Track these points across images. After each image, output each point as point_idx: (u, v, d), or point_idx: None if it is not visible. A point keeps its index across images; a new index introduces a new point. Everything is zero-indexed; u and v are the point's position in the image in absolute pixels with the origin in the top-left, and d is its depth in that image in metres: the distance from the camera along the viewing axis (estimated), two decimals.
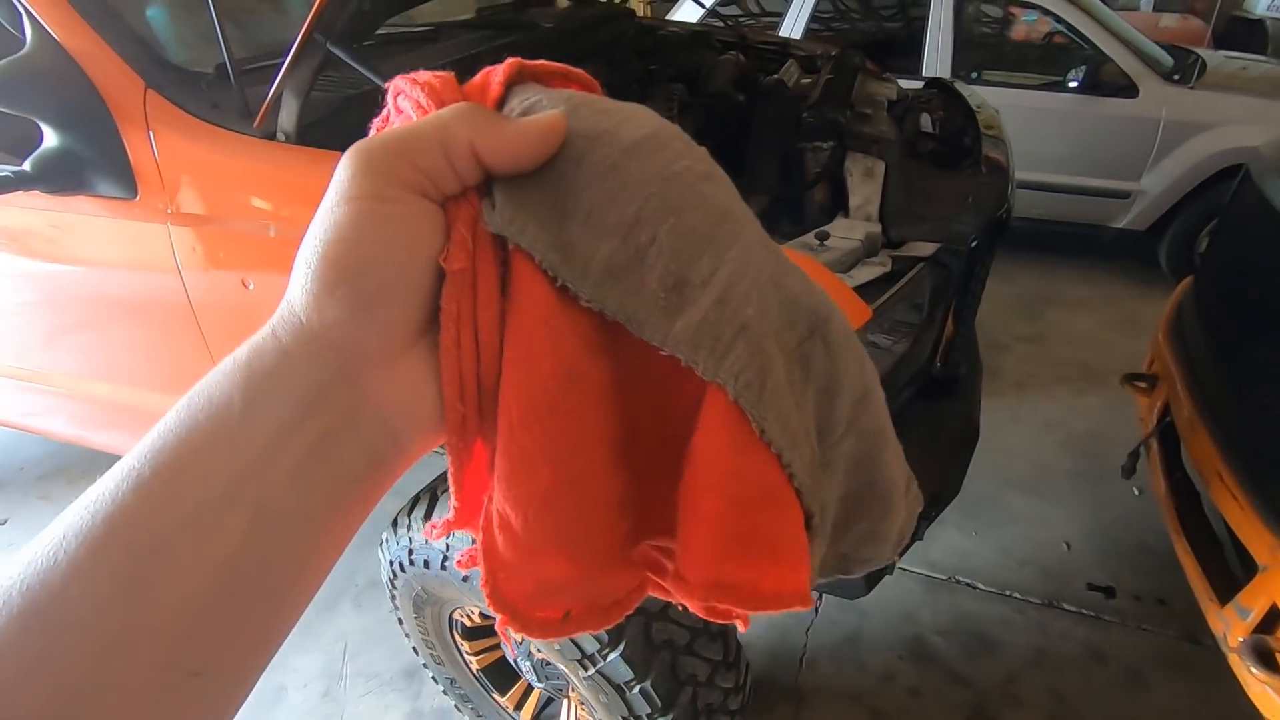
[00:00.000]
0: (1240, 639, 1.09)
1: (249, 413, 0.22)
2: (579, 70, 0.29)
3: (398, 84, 0.28)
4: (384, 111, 0.29)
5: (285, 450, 0.22)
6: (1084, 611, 1.92)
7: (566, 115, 0.25)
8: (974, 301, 1.21)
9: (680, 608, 0.28)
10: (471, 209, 0.25)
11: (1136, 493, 2.28)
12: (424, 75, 0.27)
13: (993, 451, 2.41)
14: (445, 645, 1.49)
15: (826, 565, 0.30)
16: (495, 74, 0.27)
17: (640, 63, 1.66)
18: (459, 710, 1.60)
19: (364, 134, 0.27)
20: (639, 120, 0.26)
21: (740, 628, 0.28)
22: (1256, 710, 1.14)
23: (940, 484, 1.22)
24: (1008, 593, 1.99)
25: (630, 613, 0.30)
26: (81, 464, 2.63)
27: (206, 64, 1.16)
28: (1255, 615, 1.09)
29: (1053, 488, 2.33)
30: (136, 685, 0.20)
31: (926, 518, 1.20)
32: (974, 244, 1.11)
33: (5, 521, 2.46)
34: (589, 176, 0.25)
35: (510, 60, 0.28)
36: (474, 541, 0.28)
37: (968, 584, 2.02)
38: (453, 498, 0.27)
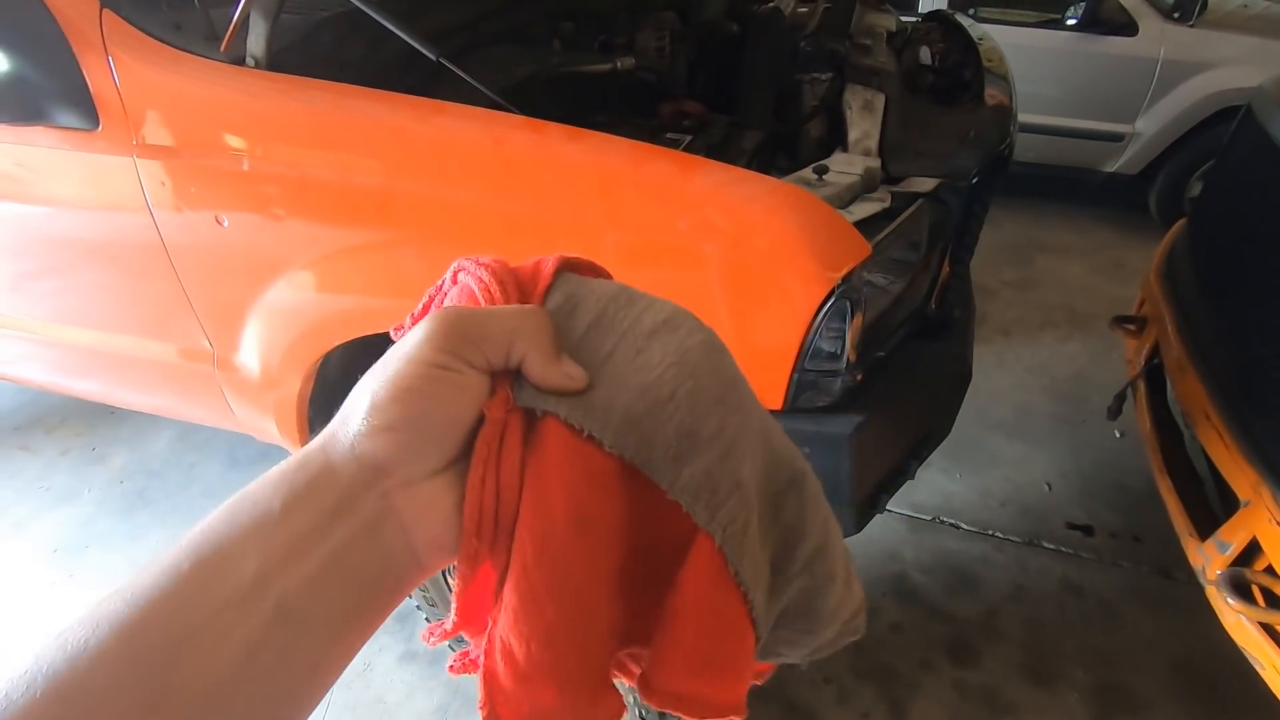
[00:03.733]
0: (1219, 572, 1.12)
1: (286, 514, 0.25)
2: (602, 266, 0.35)
3: (461, 263, 0.33)
4: (441, 282, 0.34)
5: (312, 551, 0.25)
6: (1062, 549, 1.98)
7: (600, 311, 0.31)
8: (971, 241, 1.19)
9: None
10: (508, 379, 0.29)
11: (1118, 435, 2.33)
12: (486, 259, 0.33)
13: (977, 395, 2.43)
14: (438, 587, 1.50)
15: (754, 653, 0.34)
16: (545, 265, 0.33)
17: None
18: (452, 650, 1.62)
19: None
20: (658, 307, 0.31)
21: None
22: (1225, 640, 1.19)
23: (932, 425, 1.22)
24: (989, 532, 2.03)
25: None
26: (60, 412, 2.58)
27: None
28: (1234, 549, 1.11)
29: (1035, 431, 2.37)
30: None
31: (917, 457, 1.21)
32: (975, 181, 1.08)
33: None
34: (621, 355, 0.30)
35: (557, 255, 0.33)
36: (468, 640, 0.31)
37: (950, 524, 2.07)
38: (453, 611, 0.30)
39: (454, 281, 0.33)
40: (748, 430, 0.30)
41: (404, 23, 1.01)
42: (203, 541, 0.24)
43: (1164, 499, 1.41)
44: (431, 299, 0.33)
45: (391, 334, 0.32)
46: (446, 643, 1.43)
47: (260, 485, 0.26)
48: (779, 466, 0.32)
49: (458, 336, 0.28)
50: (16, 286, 1.48)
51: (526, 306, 0.31)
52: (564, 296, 0.32)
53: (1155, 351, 1.56)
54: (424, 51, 1.01)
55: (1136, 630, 1.76)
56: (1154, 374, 1.58)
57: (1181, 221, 1.77)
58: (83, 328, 1.45)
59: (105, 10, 1.01)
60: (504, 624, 0.27)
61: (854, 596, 0.35)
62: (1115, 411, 1.69)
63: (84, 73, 1.02)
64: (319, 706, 1.40)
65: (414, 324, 0.30)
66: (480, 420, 0.28)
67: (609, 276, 0.35)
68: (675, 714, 0.30)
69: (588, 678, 0.28)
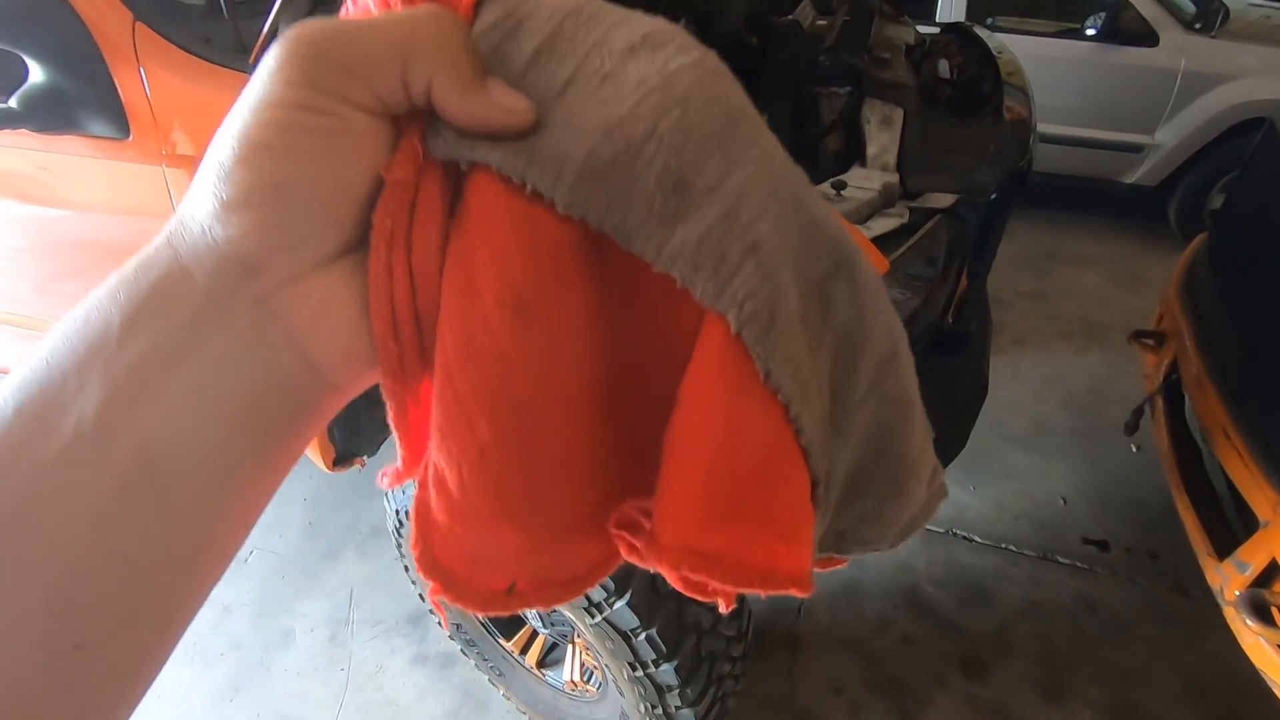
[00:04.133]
0: (1237, 592, 1.11)
1: (129, 335, 0.18)
2: None
3: None
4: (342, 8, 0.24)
5: (171, 380, 0.18)
6: (1077, 564, 1.96)
7: (556, 27, 0.21)
8: (989, 256, 1.19)
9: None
10: (421, 125, 0.21)
11: (1134, 450, 2.31)
12: None
13: (992, 407, 2.41)
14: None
15: (824, 542, 0.26)
16: None
17: (646, 2, 1.59)
18: (464, 654, 1.63)
19: None
20: (636, 21, 0.21)
21: (721, 607, 0.23)
22: (1242, 660, 1.17)
23: (947, 438, 1.22)
24: (1003, 545, 2.02)
25: (591, 587, 0.25)
26: None
27: None
28: (1254, 569, 1.10)
29: (1051, 443, 2.35)
30: (9, 659, 0.17)
31: None
32: (994, 196, 1.08)
33: None
34: (581, 88, 0.21)
35: None
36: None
37: (964, 537, 2.06)
38: (399, 446, 0.23)
39: (355, 4, 0.23)
40: (766, 179, 0.21)
41: None
42: (29, 379, 0.18)
43: (1181, 517, 1.40)
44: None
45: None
46: (458, 647, 1.42)
47: (94, 299, 0.19)
48: (821, 241, 0.23)
49: (324, 62, 0.19)
50: (42, 288, 1.50)
51: (426, 9, 0.21)
52: (502, 12, 0.22)
53: (1174, 367, 1.55)
54: None
55: (1152, 648, 1.75)
56: (1172, 390, 1.57)
57: (1202, 235, 1.76)
58: None
59: (138, 23, 1.03)
60: (433, 445, 0.21)
61: (927, 438, 0.27)
62: (1133, 427, 1.68)
63: (116, 84, 1.04)
64: (330, 706, 1.41)
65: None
66: (380, 186, 0.20)
67: None
68: (700, 578, 0.22)
69: (551, 515, 0.22)
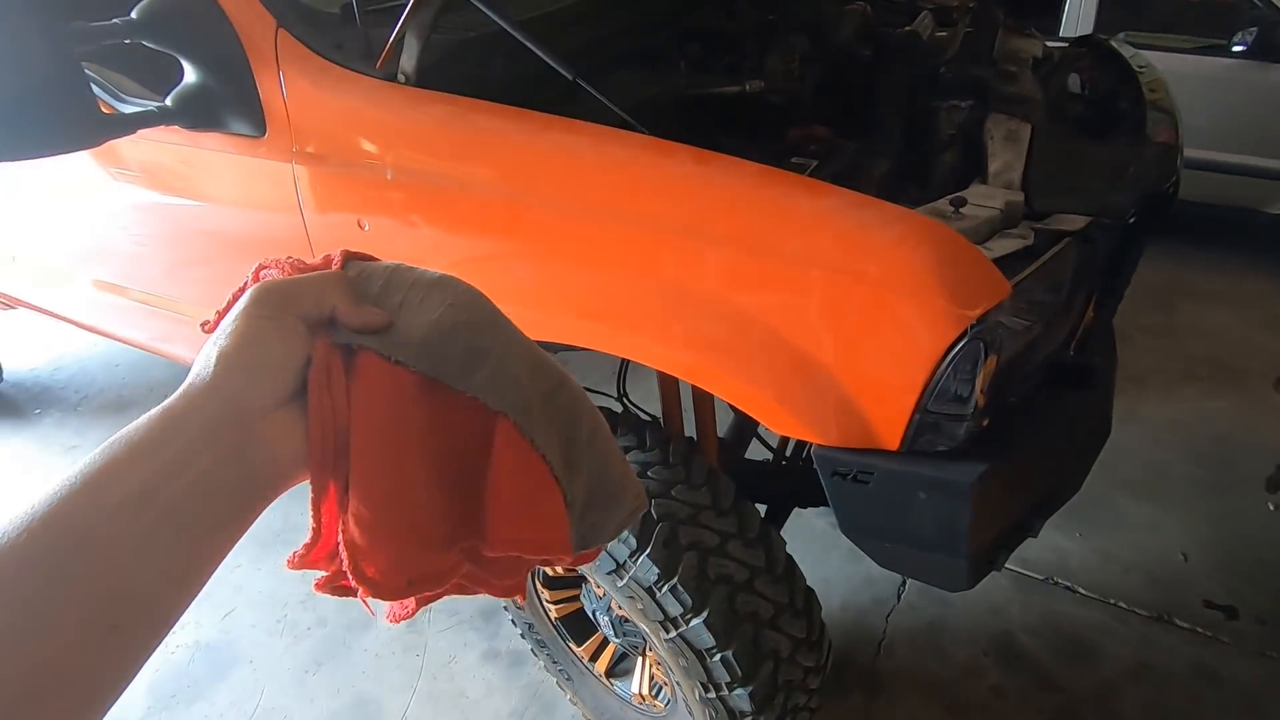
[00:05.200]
0: None
1: (160, 442, 0.31)
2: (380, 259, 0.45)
3: (262, 262, 0.42)
4: (245, 282, 0.40)
5: (188, 469, 0.31)
6: (1198, 629, 1.78)
7: (388, 277, 0.41)
8: (1122, 286, 1.10)
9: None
10: (325, 330, 0.38)
11: (1271, 508, 2.08)
12: (282, 256, 0.42)
13: (1106, 449, 2.23)
14: (525, 591, 1.53)
15: (580, 540, 0.42)
16: (333, 257, 0.42)
17: (759, 12, 1.57)
18: (534, 655, 1.65)
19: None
20: (431, 272, 0.42)
21: (519, 600, 0.41)
22: None
23: (1061, 480, 1.13)
24: (1110, 600, 1.86)
25: (449, 581, 0.41)
26: None
27: (334, 4, 1.17)
28: None
29: (1170, 493, 2.15)
30: (68, 632, 0.27)
31: (1042, 515, 1.12)
32: (1132, 220, 0.99)
33: None
34: (409, 305, 0.40)
35: (342, 250, 0.43)
36: (324, 573, 0.39)
37: (1065, 586, 1.90)
38: (312, 522, 0.36)
39: (255, 279, 0.41)
40: (514, 346, 0.41)
41: (543, 43, 1.05)
42: (87, 469, 0.29)
43: None
44: (236, 295, 0.40)
45: (200, 328, 0.40)
46: (529, 646, 1.44)
47: (132, 427, 0.32)
48: (546, 372, 0.42)
49: (275, 295, 0.37)
50: (172, 273, 1.63)
51: (328, 271, 0.41)
52: (356, 271, 0.42)
53: None
54: (561, 71, 1.04)
55: None
56: None
57: None
58: None
59: (281, 30, 1.10)
60: (353, 501, 0.36)
61: (632, 475, 0.46)
62: (1277, 483, 1.51)
63: (258, 86, 1.12)
64: (403, 691, 1.44)
65: (218, 319, 0.38)
66: (309, 361, 0.36)
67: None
68: (514, 554, 0.40)
69: (421, 532, 0.38)
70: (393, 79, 1.08)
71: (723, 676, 1.15)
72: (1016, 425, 1.02)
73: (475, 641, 1.88)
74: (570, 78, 1.03)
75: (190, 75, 1.10)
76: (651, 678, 1.48)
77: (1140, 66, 1.42)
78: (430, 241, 1.13)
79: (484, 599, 1.92)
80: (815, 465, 1.01)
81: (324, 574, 0.39)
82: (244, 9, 1.10)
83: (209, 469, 0.32)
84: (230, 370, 0.34)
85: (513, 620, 1.62)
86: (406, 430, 0.37)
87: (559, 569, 1.44)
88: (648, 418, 1.39)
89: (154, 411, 0.32)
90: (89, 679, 0.27)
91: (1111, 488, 2.16)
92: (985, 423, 0.97)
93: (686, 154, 1.00)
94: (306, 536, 0.37)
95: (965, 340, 0.87)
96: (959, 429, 0.94)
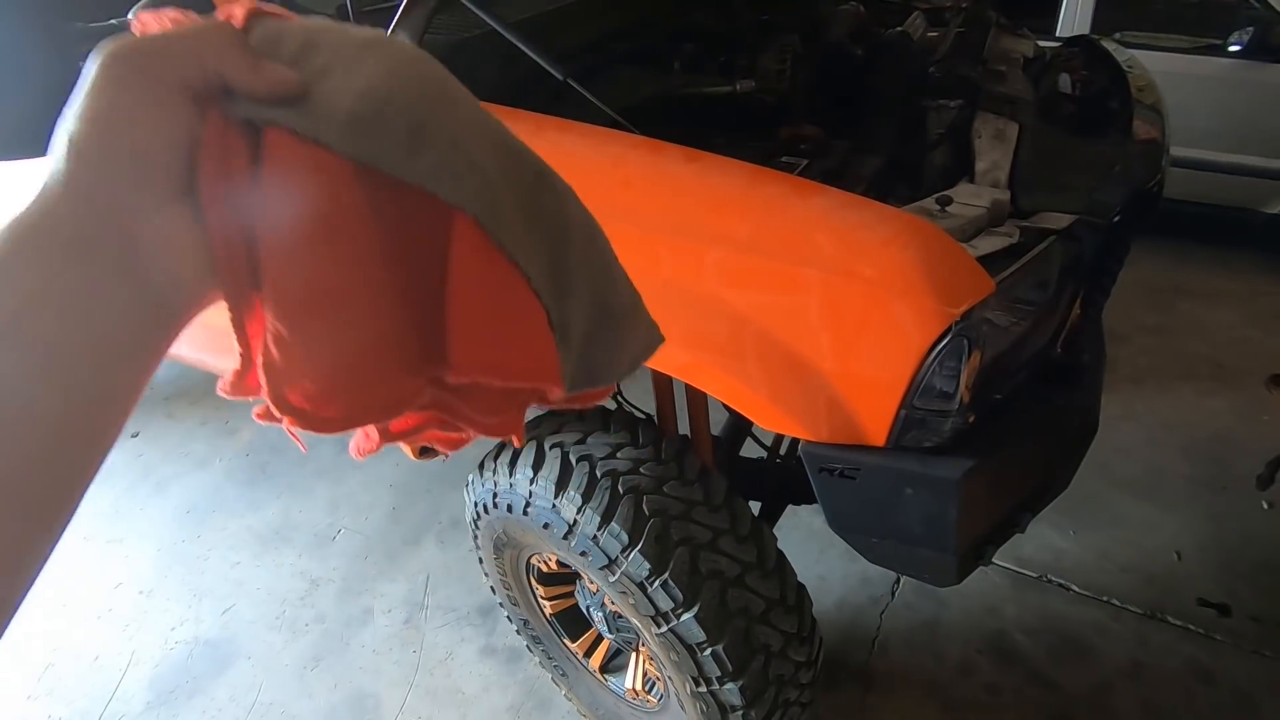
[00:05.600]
0: None
1: (10, 262, 0.24)
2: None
3: (141, 15, 0.32)
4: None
5: (53, 293, 0.24)
6: (1191, 627, 1.78)
7: (307, 38, 0.31)
8: (1109, 283, 1.11)
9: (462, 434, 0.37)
10: (218, 102, 0.29)
11: (1265, 506, 2.08)
12: (171, 12, 0.32)
13: (1100, 448, 2.21)
14: (521, 588, 1.54)
15: (578, 375, 0.35)
16: (235, 11, 0.32)
17: (753, 12, 1.59)
18: (530, 651, 1.66)
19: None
20: (365, 30, 0.32)
21: (515, 441, 0.35)
22: None
23: (1049, 476, 1.14)
24: (1105, 598, 1.86)
25: (410, 409, 0.34)
26: (203, 385, 2.85)
27: (329, 6, 1.19)
28: None
29: (1166, 492, 2.16)
30: None
31: (1030, 510, 1.13)
32: (1116, 218, 1.00)
33: (136, 435, 2.71)
34: (333, 70, 0.30)
35: (245, 3, 0.32)
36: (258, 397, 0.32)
37: (1060, 584, 1.91)
38: (237, 344, 0.30)
39: (140, 29, 0.32)
40: (472, 124, 0.32)
41: (536, 45, 1.06)
42: None
43: None
44: None
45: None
46: (524, 642, 1.44)
47: None
48: (520, 160, 0.34)
49: (139, 57, 0.26)
50: None
51: (209, 20, 0.30)
52: (263, 32, 0.31)
53: None
54: (552, 72, 1.06)
55: None
56: None
57: None
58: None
59: None
60: (269, 316, 0.29)
61: (642, 302, 0.38)
62: (1267, 481, 1.52)
63: None
64: (401, 686, 1.46)
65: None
66: (197, 144, 0.28)
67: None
68: (485, 380, 0.32)
69: (363, 351, 0.30)
70: None
71: (714, 671, 1.16)
72: (1003, 422, 1.03)
73: (472, 637, 1.89)
74: (561, 78, 1.05)
75: None
76: (645, 673, 1.50)
77: (1129, 66, 1.43)
78: None
79: (482, 595, 1.93)
80: (803, 462, 1.02)
81: (262, 404, 0.32)
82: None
83: (84, 290, 0.25)
84: (88, 161, 0.25)
85: (508, 617, 1.63)
86: (331, 226, 0.29)
87: (552, 565, 1.45)
88: (642, 415, 1.40)
89: (3, 226, 0.25)
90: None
91: (1107, 486, 2.17)
92: (972, 419, 0.98)
93: (678, 153, 1.01)
94: (234, 361, 0.31)
95: (949, 337, 0.88)
96: (945, 425, 0.95)
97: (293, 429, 0.31)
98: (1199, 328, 2.88)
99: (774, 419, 1.03)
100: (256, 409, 0.32)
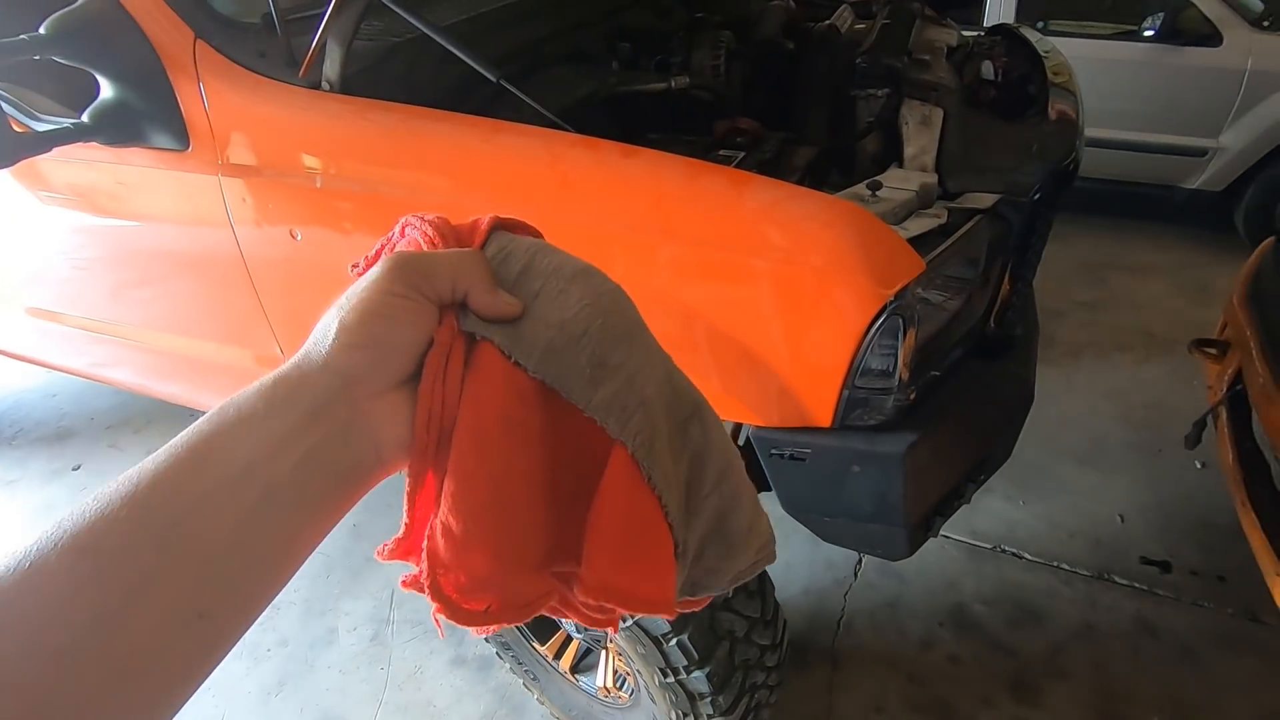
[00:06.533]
0: None
1: (268, 416, 0.29)
2: (532, 225, 0.41)
3: (408, 218, 0.39)
4: (391, 235, 0.39)
5: (293, 447, 0.29)
6: (1136, 585, 1.86)
7: (529, 260, 0.37)
8: (1034, 259, 1.15)
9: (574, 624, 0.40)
10: (455, 312, 0.35)
11: (1199, 466, 2.19)
12: (430, 215, 0.39)
13: (1045, 421, 2.33)
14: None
15: (683, 589, 0.38)
16: (481, 222, 0.39)
17: (685, 9, 1.61)
18: (500, 658, 1.65)
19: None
20: (576, 260, 0.38)
21: (611, 631, 0.37)
22: None
23: (990, 447, 1.18)
24: (1055, 564, 1.94)
25: (537, 613, 0.37)
26: (147, 414, 2.75)
27: (254, 14, 1.17)
28: None
29: (1108, 459, 2.25)
30: (158, 617, 0.25)
31: (974, 481, 1.17)
32: (1037, 196, 1.05)
33: (78, 468, 2.61)
34: (545, 295, 0.36)
35: (491, 215, 0.39)
36: (415, 567, 0.35)
37: (1013, 554, 1.98)
38: (405, 515, 0.34)
39: (401, 235, 0.39)
40: (650, 363, 0.36)
41: (468, 47, 1.06)
42: (195, 438, 0.28)
43: (1247, 534, 1.32)
44: (382, 248, 0.38)
45: (349, 271, 0.37)
46: (494, 650, 1.43)
47: (243, 395, 0.30)
48: (681, 398, 0.38)
49: (411, 271, 0.34)
50: (115, 294, 1.60)
51: (467, 249, 0.37)
52: (498, 248, 0.38)
53: (1238, 377, 1.47)
54: (485, 74, 1.06)
55: (1221, 677, 1.64)
56: (1237, 401, 1.49)
57: (1269, 241, 1.67)
58: (168, 334, 1.55)
59: (199, 40, 1.09)
60: (444, 508, 0.32)
61: (763, 523, 0.40)
62: (1194, 440, 1.60)
63: (178, 98, 1.11)
64: (370, 704, 1.44)
65: (368, 266, 0.36)
66: (430, 343, 0.34)
67: (539, 234, 0.41)
68: (609, 605, 0.35)
69: (515, 554, 0.34)
70: (317, 86, 1.08)
71: (680, 660, 1.18)
72: (943, 396, 1.06)
73: (441, 649, 1.87)
74: (495, 79, 1.05)
75: (106, 90, 1.08)
76: (615, 670, 1.50)
77: (1045, 52, 1.49)
78: (366, 247, 1.13)
79: None
80: (754, 447, 1.04)
81: (414, 570, 0.34)
82: (160, 21, 1.09)
83: (314, 448, 0.30)
84: (349, 345, 0.32)
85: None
86: (514, 438, 0.33)
87: None
88: None
89: (267, 378, 0.31)
90: (173, 665, 0.26)
91: (1053, 457, 2.25)
92: (913, 396, 1.01)
93: (614, 150, 1.02)
94: (400, 530, 0.35)
95: (884, 316, 0.91)
96: (887, 402, 0.98)
97: (438, 615, 0.34)
98: (1131, 300, 3.01)
99: (726, 408, 1.04)
100: (404, 578, 0.34)
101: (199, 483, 0.27)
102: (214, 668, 0.28)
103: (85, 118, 1.08)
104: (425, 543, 0.33)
